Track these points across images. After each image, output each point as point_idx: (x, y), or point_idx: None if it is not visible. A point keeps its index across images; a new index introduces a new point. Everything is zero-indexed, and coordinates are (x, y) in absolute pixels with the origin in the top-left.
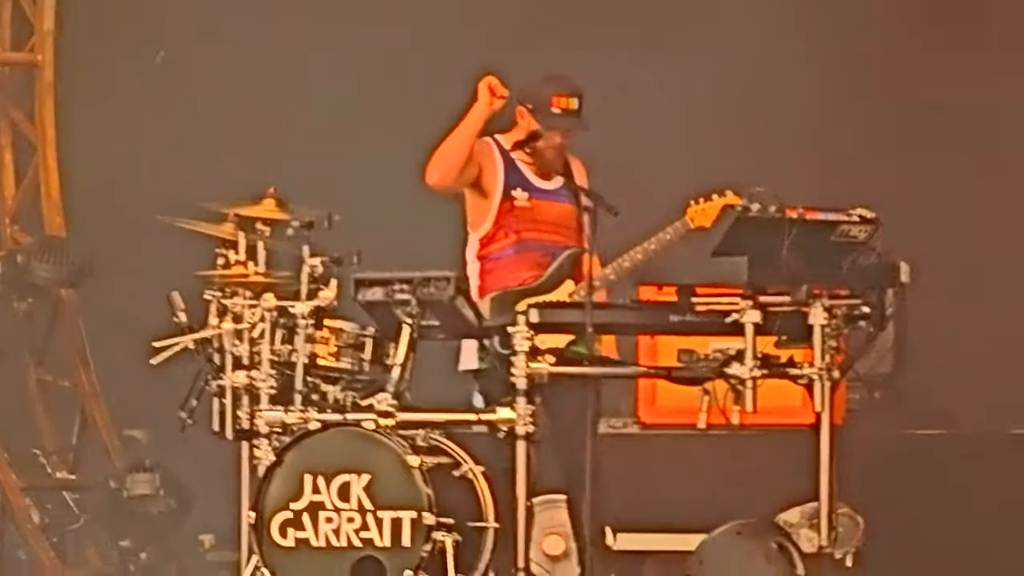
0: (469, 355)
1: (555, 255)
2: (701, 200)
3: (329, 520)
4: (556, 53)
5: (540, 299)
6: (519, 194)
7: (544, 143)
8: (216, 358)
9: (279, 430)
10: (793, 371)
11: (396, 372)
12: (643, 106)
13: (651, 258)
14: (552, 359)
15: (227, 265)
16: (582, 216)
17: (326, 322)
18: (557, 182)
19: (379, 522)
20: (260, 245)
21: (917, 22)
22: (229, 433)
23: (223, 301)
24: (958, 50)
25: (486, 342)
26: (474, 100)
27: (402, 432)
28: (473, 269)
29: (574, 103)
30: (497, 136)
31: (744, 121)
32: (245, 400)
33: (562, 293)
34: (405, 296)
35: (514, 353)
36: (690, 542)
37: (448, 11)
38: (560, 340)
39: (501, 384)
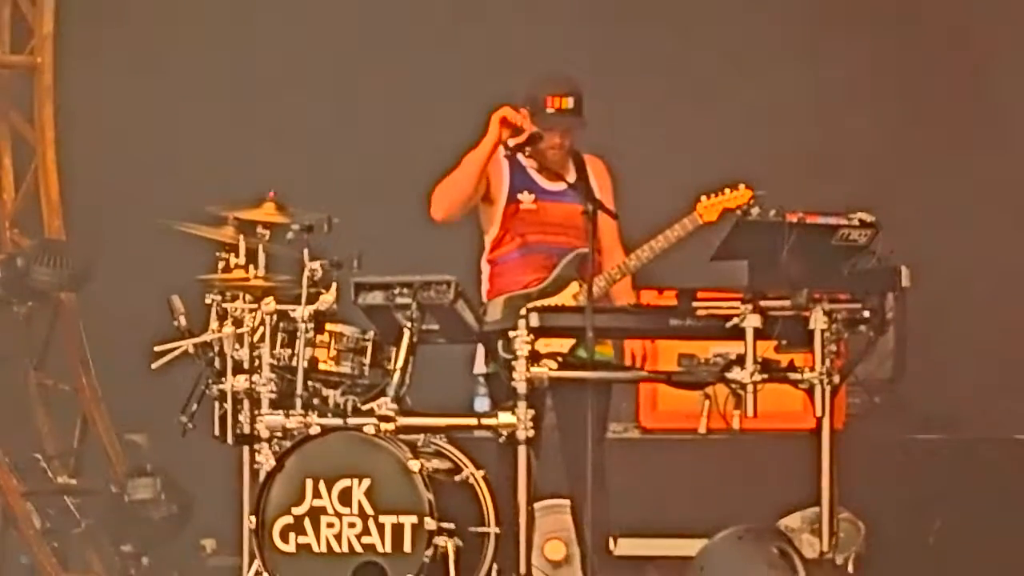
0: (481, 359)
1: (560, 257)
2: (712, 195)
3: (330, 525)
4: (561, 52)
5: (541, 303)
6: (525, 197)
7: (545, 144)
8: (217, 362)
9: (280, 435)
10: (794, 376)
11: (397, 376)
12: (652, 101)
13: (660, 254)
14: (554, 364)
15: (227, 269)
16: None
17: (327, 326)
18: (564, 184)
19: (380, 527)
20: (260, 249)
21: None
22: (230, 438)
23: (223, 305)
24: (957, 51)
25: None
26: (483, 129)
27: (403, 437)
28: (484, 272)
29: (569, 102)
30: (507, 141)
31: (748, 120)
32: (246, 404)
33: (567, 295)
34: (405, 300)
35: (515, 357)
36: (691, 547)
37: (449, 14)
38: (565, 344)
39: (508, 388)
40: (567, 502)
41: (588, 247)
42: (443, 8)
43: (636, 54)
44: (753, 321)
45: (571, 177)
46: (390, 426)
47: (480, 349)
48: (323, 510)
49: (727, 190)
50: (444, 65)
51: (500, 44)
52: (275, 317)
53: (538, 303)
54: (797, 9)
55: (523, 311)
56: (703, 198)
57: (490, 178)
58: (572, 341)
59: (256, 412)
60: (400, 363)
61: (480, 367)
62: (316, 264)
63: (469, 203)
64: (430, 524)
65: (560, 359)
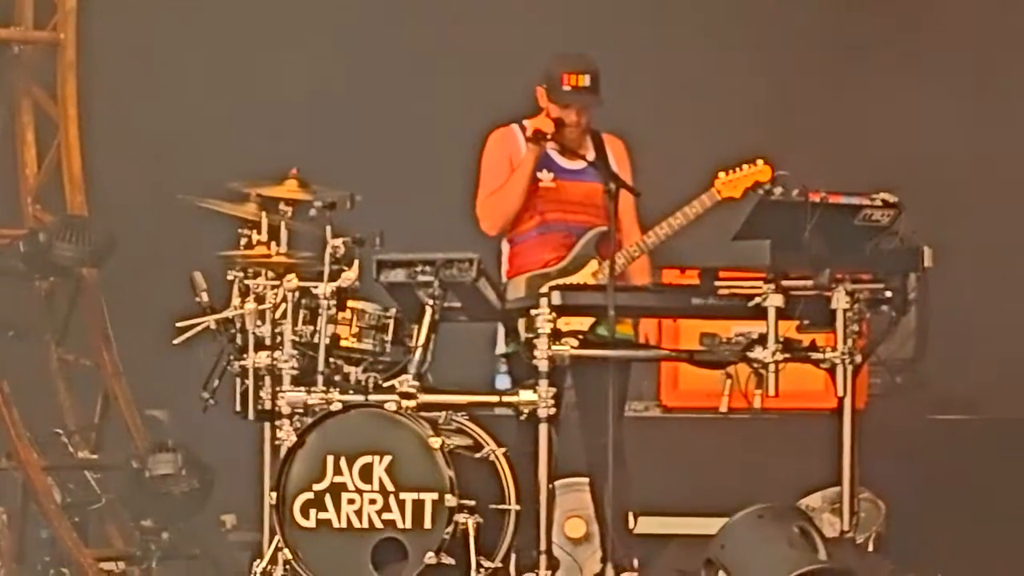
0: (502, 338)
1: (579, 235)
2: (730, 171)
3: (351, 501)
4: (578, 31)
5: (562, 281)
6: (544, 175)
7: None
8: (238, 339)
9: (301, 411)
10: (815, 355)
11: (418, 354)
12: (670, 78)
13: (678, 232)
14: (575, 342)
15: (249, 245)
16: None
17: (348, 303)
18: (583, 162)
19: (401, 504)
20: (283, 225)
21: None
22: (251, 414)
23: (245, 281)
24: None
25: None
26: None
27: (424, 414)
28: (503, 251)
29: (585, 79)
30: (525, 122)
31: (767, 98)
32: (267, 381)
33: (586, 273)
34: (427, 278)
35: (536, 335)
36: (712, 526)
37: None
38: (585, 323)
39: (529, 367)
40: (587, 480)
41: (608, 225)
42: None
43: (653, 30)
44: (775, 300)
45: (590, 155)
46: (411, 403)
47: (501, 329)
48: (344, 486)
49: (745, 166)
50: (468, 44)
51: (520, 19)
52: (297, 294)
53: (559, 281)
54: None
55: (544, 289)
56: (721, 174)
57: (511, 159)
58: (591, 320)
59: (277, 388)
60: (422, 340)
61: (501, 347)
62: (338, 241)
63: (516, 214)
64: (451, 501)
65: (581, 337)
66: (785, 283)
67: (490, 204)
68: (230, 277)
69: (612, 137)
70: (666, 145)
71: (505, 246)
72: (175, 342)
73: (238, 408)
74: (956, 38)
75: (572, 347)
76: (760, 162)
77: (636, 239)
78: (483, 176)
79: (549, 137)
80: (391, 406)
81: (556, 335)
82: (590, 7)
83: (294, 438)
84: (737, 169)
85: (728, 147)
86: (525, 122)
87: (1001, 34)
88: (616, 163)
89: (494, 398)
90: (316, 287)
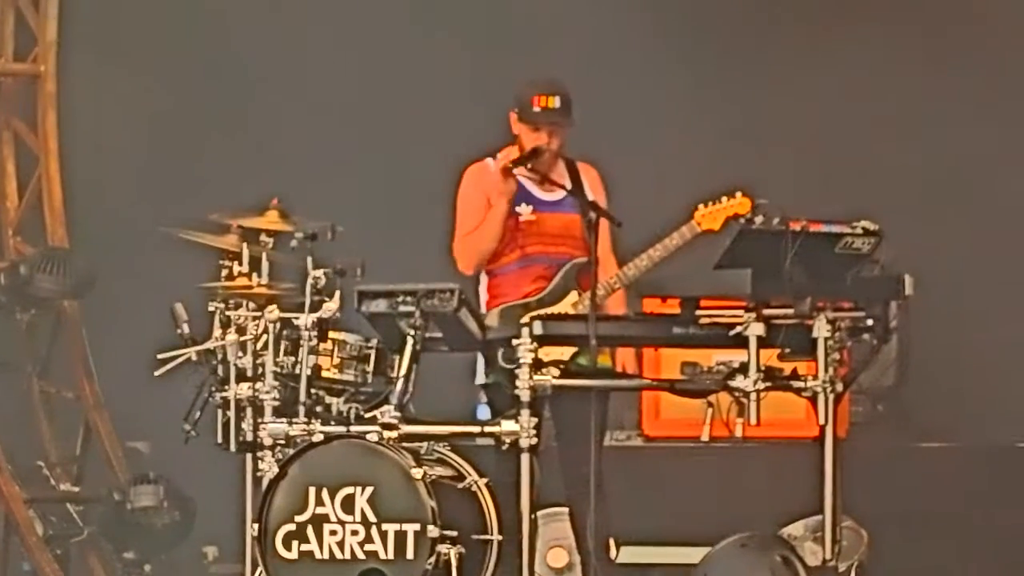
0: (482, 369)
1: (559, 267)
2: (709, 203)
3: (333, 532)
4: (556, 61)
5: (544, 311)
6: (523, 209)
7: (532, 142)
8: (220, 370)
9: (283, 442)
10: (797, 384)
11: (400, 384)
12: (649, 111)
13: (658, 264)
14: (556, 371)
15: (230, 277)
16: (586, 226)
17: (330, 334)
18: (561, 193)
19: (383, 534)
20: (264, 256)
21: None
22: (233, 445)
23: (227, 313)
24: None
25: (494, 356)
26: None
27: (406, 444)
28: (482, 283)
29: (555, 101)
30: (499, 155)
31: (749, 128)
32: (249, 412)
33: (566, 304)
34: (409, 308)
35: (518, 365)
36: (694, 555)
37: (451, 20)
38: (565, 352)
39: (509, 397)
40: (567, 510)
41: (587, 255)
42: (447, 22)
43: (630, 60)
44: (756, 329)
45: (565, 182)
46: (393, 434)
47: (480, 359)
48: (326, 517)
49: (724, 198)
50: (450, 74)
51: (502, 57)
52: (278, 325)
53: (541, 312)
54: (796, 15)
55: (525, 319)
56: (700, 206)
57: (487, 194)
58: (571, 349)
59: (259, 420)
60: (403, 371)
61: (481, 377)
62: (320, 272)
63: (492, 253)
64: (433, 532)
65: (562, 367)
66: (766, 312)
67: (466, 245)
68: (211, 308)
69: (586, 165)
70: (642, 175)
71: (484, 277)
72: (156, 374)
73: (220, 440)
74: (941, 63)
75: (554, 376)
76: (739, 194)
77: (612, 270)
78: (459, 215)
79: (521, 165)
80: (373, 437)
81: (537, 365)
82: (570, 38)
83: (276, 469)
84: (717, 201)
85: (705, 177)
86: (499, 155)
87: (989, 59)
88: (591, 191)
89: (476, 428)
90: (297, 318)
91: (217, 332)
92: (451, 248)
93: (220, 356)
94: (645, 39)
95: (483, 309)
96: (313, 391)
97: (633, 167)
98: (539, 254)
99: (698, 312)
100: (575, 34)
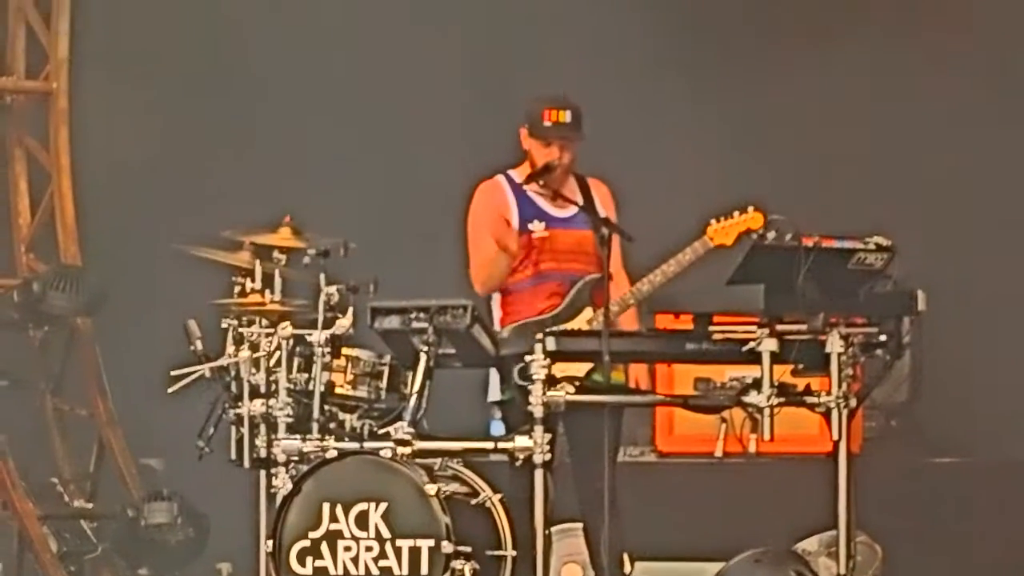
0: (495, 386)
1: (573, 283)
2: (721, 218)
3: (347, 549)
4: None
5: (558, 328)
6: (536, 226)
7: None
8: (233, 386)
9: (296, 458)
10: (810, 399)
11: (413, 400)
12: (656, 125)
13: (671, 279)
14: (571, 388)
15: (243, 293)
16: (599, 242)
17: (343, 350)
18: (573, 209)
19: (397, 551)
20: (276, 273)
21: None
22: (246, 462)
23: (240, 329)
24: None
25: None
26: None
27: (419, 460)
28: (495, 301)
29: (565, 115)
30: (509, 172)
31: (758, 141)
32: (262, 429)
33: (581, 321)
34: (422, 324)
35: (531, 382)
36: (708, 571)
37: (465, 36)
38: (580, 368)
39: (523, 414)
40: (581, 526)
41: (600, 272)
42: (457, 36)
43: (640, 75)
44: (770, 345)
45: (576, 198)
46: (407, 450)
47: (493, 377)
48: (340, 534)
49: (736, 213)
50: (462, 89)
51: (511, 73)
52: (291, 341)
53: (555, 328)
54: (803, 24)
55: (539, 336)
56: (713, 221)
57: (499, 211)
58: (587, 366)
59: (273, 436)
60: (417, 387)
61: (494, 395)
62: (332, 288)
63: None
64: (447, 547)
65: (577, 383)
66: (779, 327)
67: (483, 274)
68: (224, 325)
69: (596, 181)
70: (650, 190)
71: (497, 295)
72: (170, 391)
73: (233, 456)
74: (955, 69)
75: (568, 393)
76: (751, 209)
77: (624, 286)
78: (472, 237)
79: (533, 181)
80: (386, 453)
81: (552, 381)
82: (582, 53)
83: (290, 486)
84: (729, 216)
85: (715, 191)
86: (511, 172)
87: (1000, 68)
88: (603, 207)
89: (489, 444)
90: (310, 335)
91: (230, 349)
92: (465, 267)
93: (233, 373)
94: (650, 53)
95: (497, 326)
96: (326, 407)
97: (642, 182)
98: (552, 271)
99: (711, 328)
100: (580, 49)
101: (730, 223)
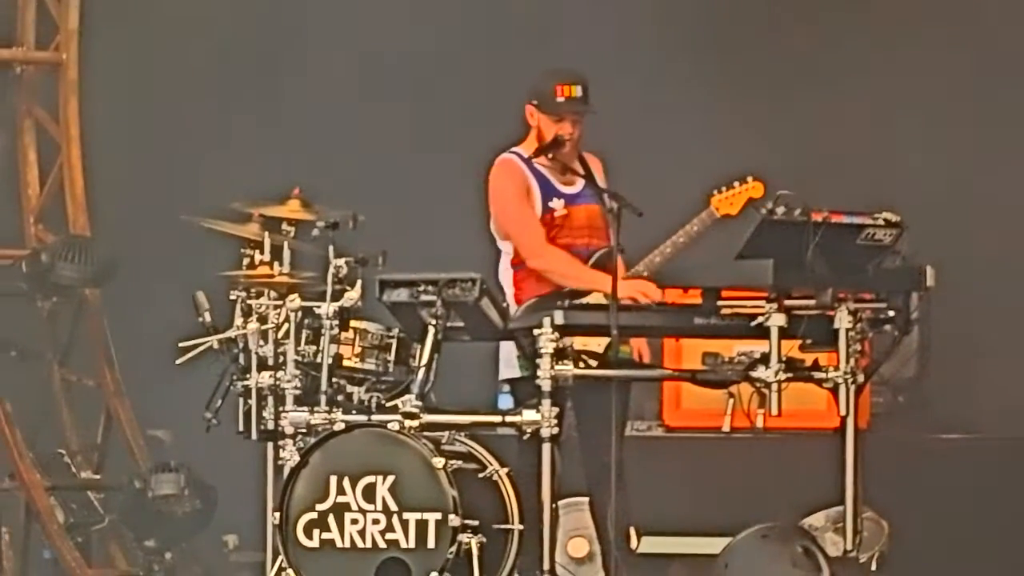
0: (509, 363)
1: (587, 257)
2: (724, 188)
3: (354, 521)
4: (571, 51)
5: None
6: (556, 204)
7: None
8: (241, 358)
9: (304, 431)
10: (818, 375)
11: (421, 373)
12: (661, 99)
13: (680, 251)
14: (593, 363)
15: (252, 265)
16: (607, 216)
17: (351, 323)
18: (579, 185)
19: (404, 523)
20: (285, 245)
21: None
22: (254, 434)
23: (248, 301)
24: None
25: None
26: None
27: (427, 433)
28: (507, 278)
29: (577, 90)
30: (517, 150)
31: (759, 118)
32: (270, 401)
33: (599, 295)
34: (430, 297)
35: (539, 355)
36: (715, 545)
37: (474, 10)
38: (600, 344)
39: (531, 387)
40: (587, 500)
41: (609, 245)
42: (469, 8)
43: (642, 49)
44: (778, 320)
45: (580, 170)
46: (414, 423)
47: (504, 354)
48: (347, 506)
49: (736, 183)
50: (471, 64)
51: (520, 49)
52: (300, 314)
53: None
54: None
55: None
56: (715, 192)
57: (527, 187)
58: (606, 340)
59: (280, 408)
60: (425, 360)
61: (505, 373)
62: (341, 261)
63: None
64: (454, 521)
65: (595, 358)
66: (788, 303)
67: (562, 265)
68: (233, 297)
69: (591, 156)
70: (647, 166)
71: (509, 271)
72: (178, 362)
73: (241, 428)
74: (956, 56)
75: (583, 367)
76: (751, 178)
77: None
78: (516, 212)
79: (543, 155)
80: (394, 426)
81: (571, 355)
82: (583, 29)
83: (297, 458)
84: (730, 187)
85: (714, 168)
86: (517, 148)
87: (1002, 57)
88: (600, 181)
89: (497, 418)
90: (319, 307)
91: (239, 321)
92: (473, 235)
93: (242, 345)
94: (650, 27)
95: (512, 303)
96: (334, 380)
97: (638, 158)
98: (568, 246)
99: (720, 303)
100: (589, 25)
101: (733, 193)
